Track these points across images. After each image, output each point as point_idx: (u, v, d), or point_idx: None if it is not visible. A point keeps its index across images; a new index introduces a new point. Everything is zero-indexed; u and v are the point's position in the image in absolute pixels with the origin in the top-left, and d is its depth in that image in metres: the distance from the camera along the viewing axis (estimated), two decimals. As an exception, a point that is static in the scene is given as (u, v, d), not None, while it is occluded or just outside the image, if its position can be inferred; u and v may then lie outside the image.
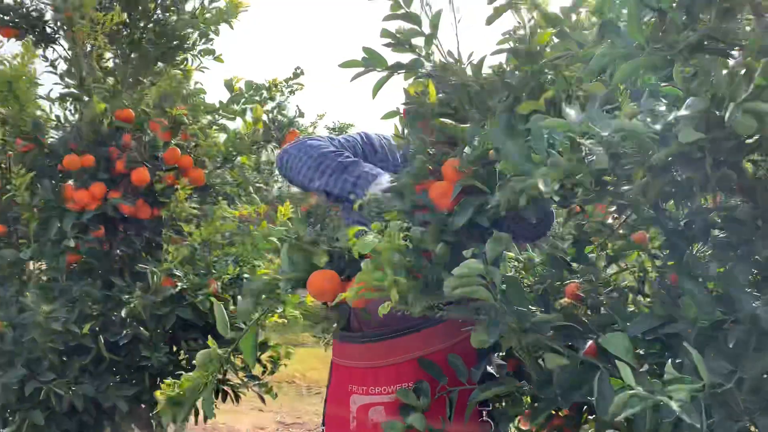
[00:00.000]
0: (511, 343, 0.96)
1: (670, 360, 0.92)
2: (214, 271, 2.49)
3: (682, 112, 0.69)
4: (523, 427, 1.85)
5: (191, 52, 3.10)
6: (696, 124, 0.71)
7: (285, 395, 4.99)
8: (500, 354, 1.48)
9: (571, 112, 0.71)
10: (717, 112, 0.70)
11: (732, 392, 0.79)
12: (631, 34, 0.77)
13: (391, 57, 1.38)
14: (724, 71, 0.71)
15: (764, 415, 0.87)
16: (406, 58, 1.35)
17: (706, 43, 0.79)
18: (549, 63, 0.95)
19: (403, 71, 1.38)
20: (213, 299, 2.35)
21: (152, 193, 2.63)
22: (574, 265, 1.33)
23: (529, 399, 1.34)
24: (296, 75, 3.30)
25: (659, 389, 0.74)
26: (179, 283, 2.46)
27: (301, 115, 3.41)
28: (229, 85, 2.60)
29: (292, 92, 3.37)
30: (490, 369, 1.42)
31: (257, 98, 2.68)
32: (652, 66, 0.74)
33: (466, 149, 1.06)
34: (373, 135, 1.85)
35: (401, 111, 1.39)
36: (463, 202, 1.04)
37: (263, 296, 1.29)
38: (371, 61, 1.35)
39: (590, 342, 1.78)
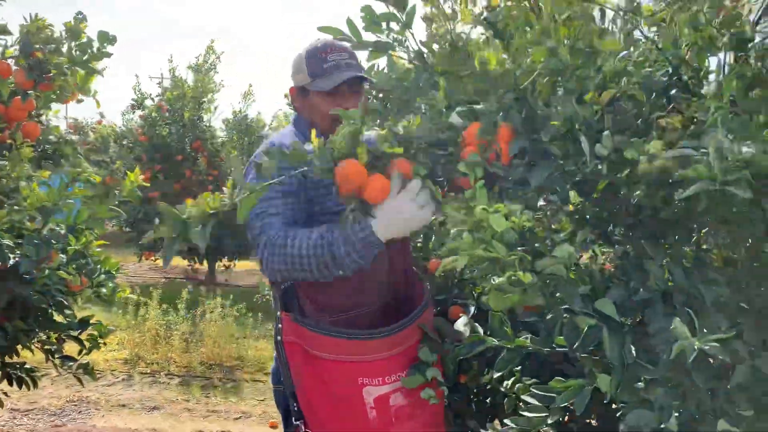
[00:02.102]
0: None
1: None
2: (54, 242, 2.17)
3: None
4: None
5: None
6: None
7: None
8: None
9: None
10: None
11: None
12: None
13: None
14: None
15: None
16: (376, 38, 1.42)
17: None
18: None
19: (371, 49, 1.45)
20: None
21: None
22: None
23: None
24: (77, 21, 2.89)
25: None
26: (11, 255, 2.11)
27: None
28: (76, 32, 2.25)
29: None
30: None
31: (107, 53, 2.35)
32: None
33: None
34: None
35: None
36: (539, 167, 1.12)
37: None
38: (350, 33, 1.40)
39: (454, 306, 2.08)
